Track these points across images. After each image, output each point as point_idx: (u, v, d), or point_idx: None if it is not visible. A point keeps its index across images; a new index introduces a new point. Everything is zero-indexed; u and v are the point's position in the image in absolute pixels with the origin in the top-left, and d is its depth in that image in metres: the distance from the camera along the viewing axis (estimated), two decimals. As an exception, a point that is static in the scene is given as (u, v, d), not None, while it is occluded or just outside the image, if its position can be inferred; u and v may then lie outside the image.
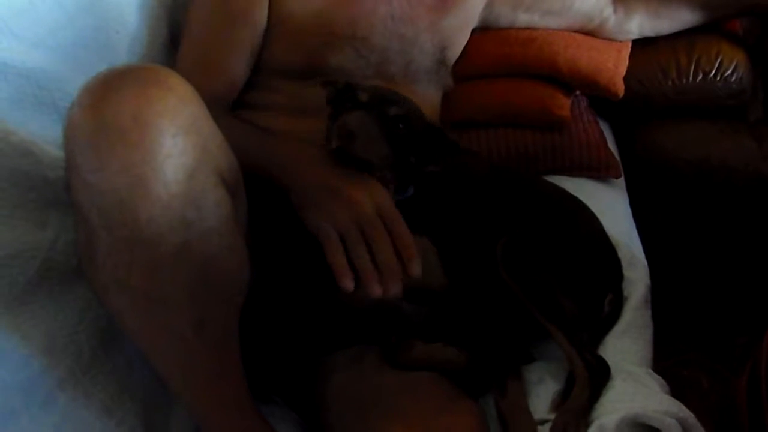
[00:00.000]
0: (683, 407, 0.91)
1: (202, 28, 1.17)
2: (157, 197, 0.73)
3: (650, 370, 1.01)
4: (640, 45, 1.50)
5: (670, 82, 1.51)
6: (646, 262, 1.24)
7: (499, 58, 1.43)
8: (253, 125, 1.08)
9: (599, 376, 0.95)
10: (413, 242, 0.88)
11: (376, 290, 0.86)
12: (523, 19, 1.44)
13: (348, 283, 0.86)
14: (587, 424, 0.90)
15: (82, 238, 0.78)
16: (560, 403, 0.94)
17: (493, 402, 0.96)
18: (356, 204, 0.88)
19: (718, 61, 1.49)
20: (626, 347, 1.05)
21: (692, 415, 0.91)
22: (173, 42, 1.24)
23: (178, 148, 0.74)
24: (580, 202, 1.16)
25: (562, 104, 1.39)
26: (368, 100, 0.96)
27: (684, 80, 1.50)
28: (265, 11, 1.16)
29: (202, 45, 1.16)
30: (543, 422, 0.93)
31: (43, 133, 0.91)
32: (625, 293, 1.11)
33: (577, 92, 1.45)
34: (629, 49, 1.48)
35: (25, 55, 0.96)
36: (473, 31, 1.39)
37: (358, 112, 0.93)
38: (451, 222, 0.96)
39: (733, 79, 1.49)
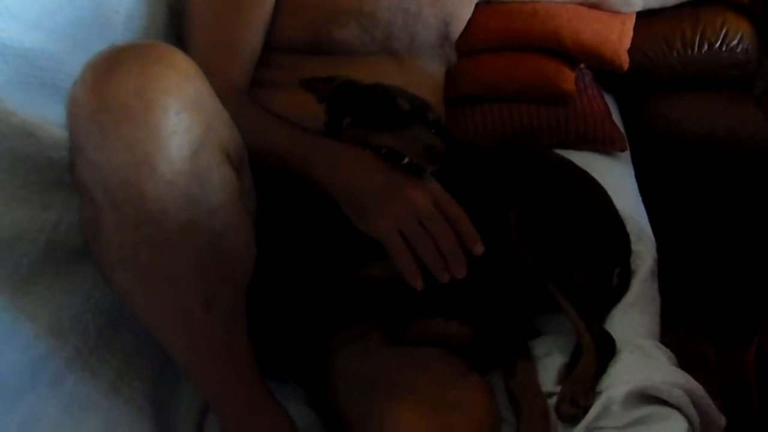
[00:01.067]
0: (691, 379, 0.91)
1: (210, 12, 1.14)
2: (161, 174, 0.72)
3: (658, 343, 1.01)
4: (644, 17, 1.49)
5: (675, 54, 1.50)
6: (652, 236, 1.24)
7: (502, 33, 1.42)
8: (285, 120, 1.04)
9: (606, 348, 0.95)
10: (472, 228, 0.90)
11: (444, 278, 0.89)
12: None
13: (419, 284, 0.89)
14: (594, 395, 0.90)
15: (87, 217, 0.77)
16: (567, 374, 0.94)
17: (503, 380, 0.95)
18: (414, 201, 0.90)
19: (723, 31, 1.48)
20: (634, 320, 1.05)
21: (700, 386, 0.91)
22: (172, 20, 1.23)
23: (182, 124, 0.73)
24: (591, 176, 1.16)
25: (567, 78, 1.39)
26: (411, 109, 0.95)
27: (689, 51, 1.50)
28: None
29: (214, 28, 1.13)
30: (551, 395, 0.93)
31: (44, 113, 0.90)
32: (633, 267, 1.11)
33: (582, 65, 1.45)
34: (633, 22, 1.47)
35: (23, 35, 0.95)
36: (477, 5, 1.38)
37: (423, 129, 0.93)
38: (461, 195, 0.96)
39: (738, 49, 1.48)
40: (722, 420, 0.93)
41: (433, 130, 0.95)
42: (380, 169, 0.93)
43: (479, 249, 0.90)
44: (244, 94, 1.10)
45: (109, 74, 0.71)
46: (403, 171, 0.92)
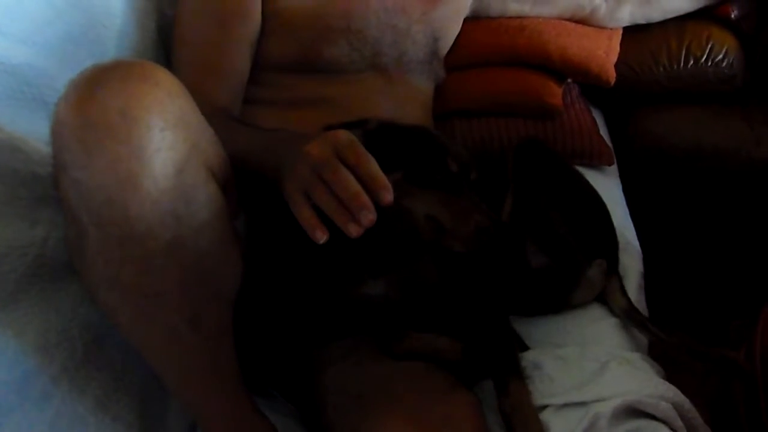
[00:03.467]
0: (678, 392, 0.92)
1: (196, 31, 1.14)
2: (146, 192, 0.72)
3: (645, 356, 1.02)
4: (631, 31, 1.50)
5: (661, 69, 1.51)
6: (639, 248, 1.24)
7: (490, 48, 1.42)
8: (248, 125, 1.05)
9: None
10: (379, 171, 0.79)
11: (352, 229, 0.77)
12: (514, 8, 1.44)
13: (318, 235, 0.78)
14: None
15: (72, 235, 0.77)
16: None
17: (496, 401, 0.93)
18: (311, 154, 0.80)
19: (709, 46, 1.49)
20: (621, 333, 1.06)
21: (687, 400, 0.92)
22: (162, 36, 1.23)
23: (166, 142, 0.73)
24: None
25: (554, 92, 1.39)
26: (459, 171, 0.90)
27: (675, 66, 1.50)
28: (259, 5, 1.15)
29: (199, 50, 1.13)
30: (542, 408, 0.93)
31: (32, 129, 0.90)
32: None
33: (569, 80, 1.45)
34: (620, 37, 1.48)
35: (12, 51, 0.95)
36: (464, 21, 1.39)
37: (472, 200, 0.88)
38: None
39: (724, 64, 1.49)
40: (709, 434, 0.93)
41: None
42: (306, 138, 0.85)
43: (386, 195, 0.78)
44: (229, 114, 1.09)
45: (93, 92, 0.71)
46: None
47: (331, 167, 0.78)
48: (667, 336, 1.04)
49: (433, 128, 1.28)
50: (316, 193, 0.78)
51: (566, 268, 1.05)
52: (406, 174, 0.88)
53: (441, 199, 0.88)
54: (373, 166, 0.78)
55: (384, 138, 0.90)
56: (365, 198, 0.77)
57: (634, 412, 0.89)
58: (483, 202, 0.91)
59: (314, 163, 0.79)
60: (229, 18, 1.14)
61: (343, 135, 0.80)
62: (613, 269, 1.11)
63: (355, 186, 0.77)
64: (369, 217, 0.76)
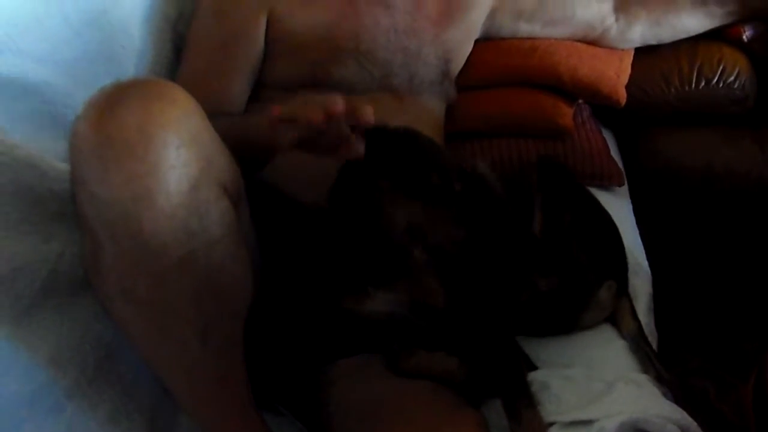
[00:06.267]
0: (686, 415, 0.91)
1: (199, 53, 1.18)
2: (161, 208, 0.74)
3: (653, 378, 1.01)
4: (643, 52, 1.50)
5: (672, 90, 1.50)
6: (649, 270, 1.24)
7: (501, 69, 1.43)
8: (228, 115, 1.07)
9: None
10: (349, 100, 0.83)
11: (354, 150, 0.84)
12: (525, 29, 1.44)
13: (319, 115, 0.82)
14: None
15: (88, 249, 0.79)
16: None
17: (509, 427, 0.92)
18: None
19: (721, 67, 1.49)
20: (628, 355, 1.06)
21: (695, 423, 0.91)
22: (177, 55, 1.25)
23: (181, 159, 0.75)
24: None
25: (565, 113, 1.40)
26: (441, 184, 0.94)
27: (686, 87, 1.50)
28: (263, 30, 1.17)
29: (199, 71, 1.17)
30: (549, 425, 0.92)
31: (49, 147, 0.92)
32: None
33: (580, 101, 1.46)
34: (631, 57, 1.48)
35: (30, 70, 0.97)
36: (476, 42, 1.40)
37: (450, 212, 0.92)
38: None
39: (735, 85, 1.48)
40: (717, 458, 0.93)
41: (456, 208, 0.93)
42: None
43: (368, 113, 0.83)
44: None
45: (112, 110, 0.73)
46: None
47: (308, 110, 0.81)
48: (667, 373, 1.03)
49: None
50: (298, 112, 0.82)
51: (576, 289, 1.05)
52: (392, 181, 0.91)
53: (421, 208, 0.90)
54: (350, 102, 0.82)
55: (373, 141, 0.92)
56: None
57: (639, 431, 0.88)
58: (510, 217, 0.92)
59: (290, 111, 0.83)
60: (231, 41, 1.16)
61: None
62: (623, 291, 1.11)
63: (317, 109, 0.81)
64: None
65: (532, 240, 0.96)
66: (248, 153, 0.92)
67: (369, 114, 0.84)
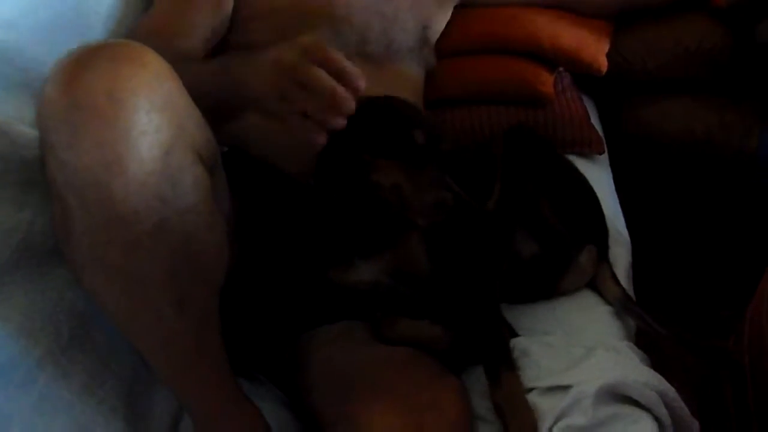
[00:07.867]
0: (663, 380, 0.92)
1: (161, 5, 1.15)
2: (132, 175, 0.72)
3: (632, 344, 1.02)
4: (623, 20, 1.49)
5: (652, 57, 1.51)
6: (629, 238, 1.24)
7: (481, 36, 1.42)
8: (208, 61, 1.03)
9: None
10: (348, 63, 0.82)
11: (338, 121, 0.82)
12: None
13: (321, 139, 0.82)
14: None
15: (58, 216, 0.77)
16: None
17: (489, 391, 0.94)
18: (281, 61, 0.82)
19: (701, 35, 1.49)
20: (609, 322, 1.06)
21: (673, 389, 0.92)
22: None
23: (153, 124, 0.73)
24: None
25: (545, 81, 1.39)
26: (426, 143, 0.89)
27: (666, 55, 1.50)
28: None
29: (158, 21, 1.13)
30: (528, 390, 0.93)
31: (20, 114, 0.90)
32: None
33: (561, 69, 1.45)
34: (612, 26, 1.48)
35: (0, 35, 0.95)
36: (456, 9, 1.39)
37: (436, 173, 0.88)
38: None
39: (715, 53, 1.49)
40: (695, 424, 0.93)
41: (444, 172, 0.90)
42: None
43: (359, 82, 0.81)
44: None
45: (80, 73, 0.71)
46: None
47: (304, 68, 0.80)
48: (661, 326, 1.04)
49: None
50: (296, 95, 0.81)
51: (556, 254, 1.05)
52: (372, 148, 0.89)
53: (404, 170, 0.88)
54: (341, 60, 0.81)
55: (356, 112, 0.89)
56: (341, 89, 0.80)
57: (617, 396, 0.88)
58: (470, 184, 0.91)
59: (287, 68, 0.81)
60: (194, 4, 1.13)
61: (307, 38, 0.83)
62: (603, 256, 1.11)
63: (329, 81, 0.80)
64: (351, 106, 0.81)
65: (483, 215, 0.95)
66: (215, 103, 0.89)
67: (362, 85, 0.82)
